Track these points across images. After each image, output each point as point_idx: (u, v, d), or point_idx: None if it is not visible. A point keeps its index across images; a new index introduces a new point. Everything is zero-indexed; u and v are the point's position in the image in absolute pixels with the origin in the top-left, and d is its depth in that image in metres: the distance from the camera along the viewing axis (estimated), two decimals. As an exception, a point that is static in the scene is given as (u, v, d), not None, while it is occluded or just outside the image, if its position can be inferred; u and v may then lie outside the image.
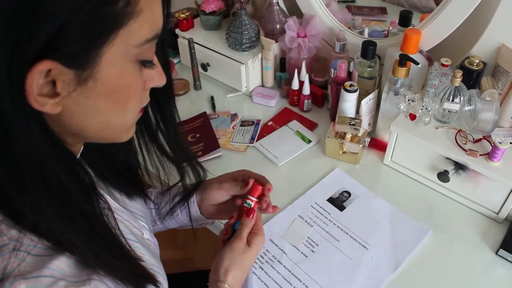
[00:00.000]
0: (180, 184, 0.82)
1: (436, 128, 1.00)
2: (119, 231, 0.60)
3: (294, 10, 1.31)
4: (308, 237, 0.95)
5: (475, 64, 1.01)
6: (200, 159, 1.13)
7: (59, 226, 0.49)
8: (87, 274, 0.51)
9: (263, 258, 0.91)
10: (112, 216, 0.59)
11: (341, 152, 1.10)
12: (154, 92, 0.59)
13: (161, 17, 0.50)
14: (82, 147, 0.62)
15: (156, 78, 0.55)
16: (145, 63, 0.51)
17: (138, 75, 0.51)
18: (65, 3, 0.40)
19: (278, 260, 0.90)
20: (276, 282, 0.87)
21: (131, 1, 0.44)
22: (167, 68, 0.58)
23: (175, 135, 0.69)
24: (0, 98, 0.42)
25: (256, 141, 1.18)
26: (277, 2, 1.28)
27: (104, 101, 0.49)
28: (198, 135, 1.20)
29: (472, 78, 1.02)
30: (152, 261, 0.68)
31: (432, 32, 1.06)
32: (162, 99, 0.63)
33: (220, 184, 0.84)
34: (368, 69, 1.12)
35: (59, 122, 0.49)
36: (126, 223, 0.68)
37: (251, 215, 0.78)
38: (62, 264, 0.49)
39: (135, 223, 0.71)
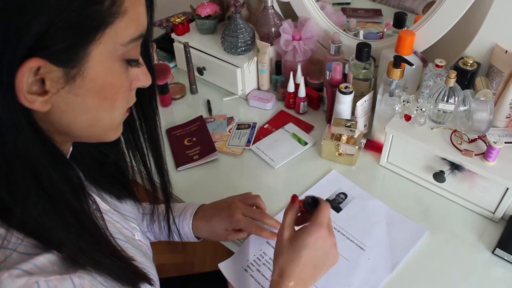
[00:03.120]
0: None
1: (431, 129, 1.01)
2: (108, 231, 0.60)
3: (289, 13, 1.32)
4: (305, 239, 0.95)
5: (469, 64, 1.02)
6: (197, 163, 1.13)
7: (48, 224, 0.49)
8: (73, 272, 0.52)
9: (260, 260, 0.91)
10: (101, 217, 0.59)
11: (337, 154, 1.11)
12: (136, 94, 0.59)
13: (145, 17, 0.52)
14: (71, 149, 0.62)
15: (142, 78, 0.56)
16: (130, 62, 0.53)
17: (124, 74, 0.52)
18: (52, 1, 0.41)
19: (275, 263, 0.91)
20: (273, 285, 0.87)
21: (116, 1, 0.46)
22: (151, 71, 0.59)
23: (156, 142, 0.70)
24: None
25: (253, 144, 1.18)
26: (272, 6, 1.28)
27: (92, 98, 0.50)
28: (194, 139, 1.20)
29: (466, 79, 1.02)
30: (143, 261, 0.68)
31: (426, 33, 1.07)
32: (144, 102, 0.64)
33: (212, 232, 0.90)
34: (363, 71, 1.13)
35: (48, 120, 0.50)
36: (117, 225, 0.69)
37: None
38: (46, 261, 0.49)
39: (125, 225, 0.72)
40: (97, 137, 0.57)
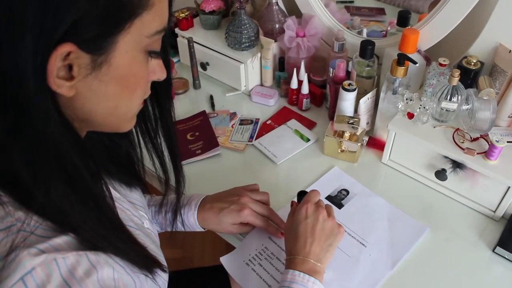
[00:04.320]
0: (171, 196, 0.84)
1: (434, 127, 1.01)
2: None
3: (293, 10, 1.32)
4: (306, 235, 0.95)
5: (472, 63, 1.02)
6: (200, 157, 1.14)
7: (68, 208, 0.51)
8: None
9: (261, 255, 0.92)
10: (113, 204, 0.61)
11: (339, 151, 1.11)
12: (153, 86, 0.61)
13: (167, 12, 0.54)
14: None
15: (158, 71, 0.58)
16: (151, 54, 0.55)
17: (145, 65, 0.54)
18: None
19: (277, 257, 0.91)
20: (274, 279, 0.87)
21: None
22: (167, 65, 0.61)
23: (171, 132, 0.71)
24: (24, 77, 0.44)
25: (255, 139, 1.19)
26: (276, 2, 1.29)
27: (114, 86, 0.52)
28: (197, 134, 1.21)
29: (469, 78, 1.03)
30: (153, 249, 0.70)
31: (430, 32, 1.07)
32: (161, 93, 0.66)
33: (218, 225, 0.91)
34: (367, 68, 1.13)
35: (71, 106, 0.51)
36: (127, 212, 0.71)
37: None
38: (61, 242, 0.50)
39: (135, 213, 0.74)
40: (113, 126, 0.59)
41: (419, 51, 1.09)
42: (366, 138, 1.13)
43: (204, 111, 1.28)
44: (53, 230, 0.51)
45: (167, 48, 0.61)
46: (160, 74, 0.59)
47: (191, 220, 0.91)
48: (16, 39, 0.43)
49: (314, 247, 0.78)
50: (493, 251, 0.91)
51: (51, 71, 0.45)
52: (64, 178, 0.50)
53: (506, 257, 0.90)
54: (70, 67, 0.47)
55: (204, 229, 0.94)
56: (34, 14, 0.42)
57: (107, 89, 0.51)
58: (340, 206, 1.01)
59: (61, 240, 0.50)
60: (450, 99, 0.97)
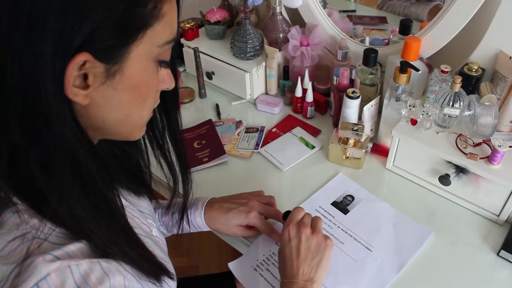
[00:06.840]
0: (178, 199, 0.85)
1: (437, 133, 1.03)
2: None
3: (297, 20, 1.34)
4: (313, 240, 0.96)
5: (474, 70, 1.04)
6: (206, 165, 1.15)
7: (80, 213, 0.52)
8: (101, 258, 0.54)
9: (269, 260, 0.93)
10: (124, 211, 0.62)
11: (344, 158, 1.13)
12: (161, 95, 0.63)
13: (177, 23, 0.56)
14: None
15: (168, 80, 0.60)
16: (161, 63, 0.57)
17: (156, 74, 0.56)
18: (105, 1, 0.45)
19: (284, 262, 0.92)
20: (282, 284, 0.89)
21: (157, 5, 0.50)
22: (175, 74, 0.63)
23: (178, 138, 0.73)
24: (44, 84, 0.46)
25: (261, 147, 1.21)
26: (281, 12, 1.31)
27: (127, 95, 0.54)
28: (204, 142, 1.23)
29: (471, 84, 1.05)
30: (162, 256, 0.71)
31: (431, 39, 1.09)
32: (168, 102, 0.68)
33: (225, 225, 0.93)
34: (370, 76, 1.15)
35: (85, 114, 0.53)
36: (136, 220, 0.72)
37: None
38: (75, 249, 0.52)
39: (144, 221, 0.75)
40: (125, 134, 0.60)
41: (421, 59, 1.11)
42: (370, 145, 1.15)
43: (210, 120, 1.30)
44: (67, 237, 0.52)
45: (174, 58, 0.63)
46: (169, 83, 0.61)
47: (197, 220, 0.93)
48: (36, 47, 0.45)
49: (302, 268, 0.78)
50: (497, 254, 0.92)
51: (68, 80, 0.47)
52: (79, 183, 0.52)
53: (511, 260, 0.91)
54: (85, 76, 0.49)
55: (210, 228, 0.95)
56: (53, 23, 0.44)
57: (120, 98, 0.53)
58: (345, 211, 1.02)
59: (75, 247, 0.52)
60: (453, 105, 0.99)
